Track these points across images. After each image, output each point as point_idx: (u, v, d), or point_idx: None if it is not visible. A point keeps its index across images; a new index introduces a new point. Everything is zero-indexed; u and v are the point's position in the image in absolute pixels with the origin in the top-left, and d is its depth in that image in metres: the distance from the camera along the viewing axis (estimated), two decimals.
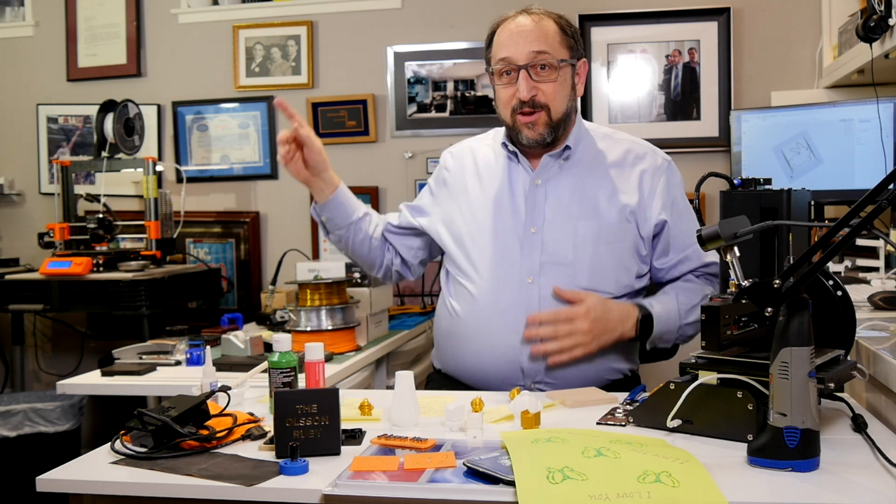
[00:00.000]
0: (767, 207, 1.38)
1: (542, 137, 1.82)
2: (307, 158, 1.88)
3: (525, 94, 1.78)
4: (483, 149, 1.98)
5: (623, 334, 1.78)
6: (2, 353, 3.72)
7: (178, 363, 2.18)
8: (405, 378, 1.44)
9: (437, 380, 1.98)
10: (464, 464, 1.15)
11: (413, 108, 3.41)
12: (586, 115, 3.24)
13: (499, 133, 1.97)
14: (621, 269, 1.83)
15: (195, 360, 2.14)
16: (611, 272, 1.82)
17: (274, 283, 3.04)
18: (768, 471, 1.13)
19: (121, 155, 3.27)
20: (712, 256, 1.88)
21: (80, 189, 3.41)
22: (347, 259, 2.20)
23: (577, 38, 1.85)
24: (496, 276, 1.83)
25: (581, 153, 1.88)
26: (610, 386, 1.81)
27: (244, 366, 1.97)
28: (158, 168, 3.23)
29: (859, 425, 1.28)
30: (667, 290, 1.87)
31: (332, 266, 2.59)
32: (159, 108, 3.65)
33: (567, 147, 1.86)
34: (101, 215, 3.16)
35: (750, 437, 1.20)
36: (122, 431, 1.36)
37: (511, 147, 1.89)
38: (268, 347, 2.21)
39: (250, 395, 1.68)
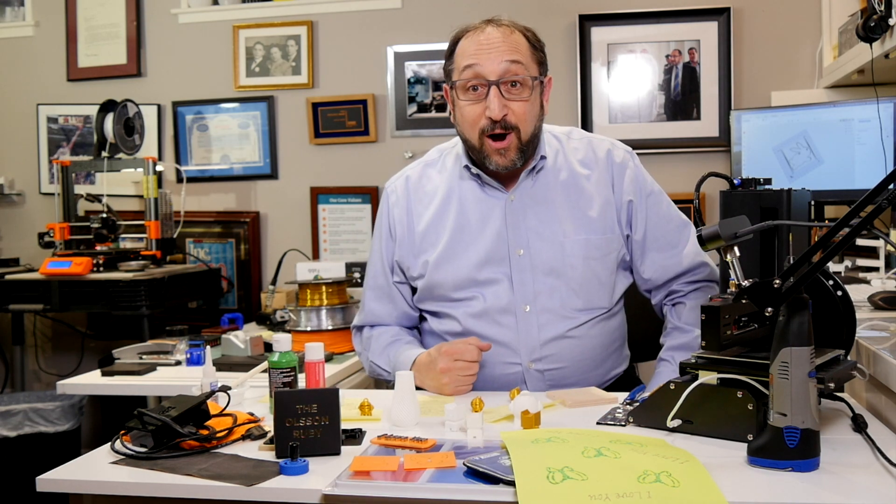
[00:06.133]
0: (767, 207, 1.38)
1: (514, 163, 1.69)
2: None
3: (497, 112, 1.63)
4: (433, 177, 1.83)
5: None
6: (2, 353, 3.72)
7: (178, 363, 2.19)
8: (405, 378, 1.43)
9: None
10: (464, 464, 1.15)
11: (413, 108, 3.41)
12: (586, 115, 3.24)
13: (446, 157, 1.85)
14: (613, 282, 1.77)
15: (195, 360, 2.14)
16: (606, 286, 1.75)
17: (274, 283, 3.04)
18: (768, 471, 1.13)
19: (121, 155, 3.27)
20: (705, 258, 1.79)
21: (80, 189, 3.42)
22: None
23: (545, 52, 1.74)
24: (492, 308, 1.73)
25: (549, 162, 1.78)
26: (610, 386, 1.81)
27: (244, 366, 1.98)
28: (158, 168, 3.23)
29: (859, 425, 1.28)
30: (664, 356, 1.75)
31: (332, 266, 2.59)
32: (159, 108, 3.65)
33: (542, 157, 1.76)
34: (104, 215, 3.17)
35: (750, 437, 1.20)
36: (122, 431, 1.36)
37: (475, 170, 1.75)
38: (268, 347, 2.21)
39: (250, 395, 1.68)
